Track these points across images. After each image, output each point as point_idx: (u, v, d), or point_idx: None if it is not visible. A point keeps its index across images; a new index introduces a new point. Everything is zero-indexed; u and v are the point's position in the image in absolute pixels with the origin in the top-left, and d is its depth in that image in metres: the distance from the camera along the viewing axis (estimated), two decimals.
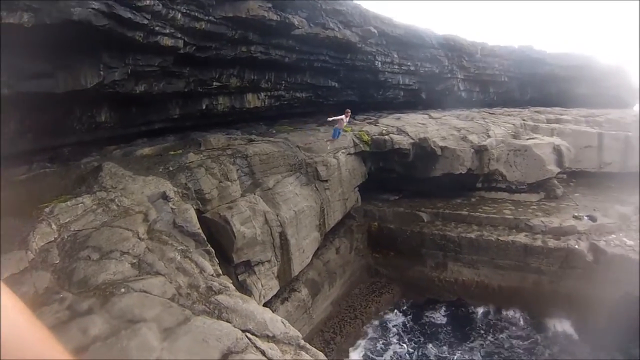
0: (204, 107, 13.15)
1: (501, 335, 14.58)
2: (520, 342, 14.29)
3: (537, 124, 21.56)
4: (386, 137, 17.07)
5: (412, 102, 25.03)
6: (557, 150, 18.00)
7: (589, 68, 30.34)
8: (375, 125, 18.42)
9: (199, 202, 9.39)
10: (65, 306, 4.61)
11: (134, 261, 5.80)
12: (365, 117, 20.65)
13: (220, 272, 7.25)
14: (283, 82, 16.02)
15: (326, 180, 13.46)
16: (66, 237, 6.12)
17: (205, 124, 14.03)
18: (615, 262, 13.93)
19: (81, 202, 7.02)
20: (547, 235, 15.22)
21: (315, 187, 13.06)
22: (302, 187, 12.45)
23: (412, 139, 17.34)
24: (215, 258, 7.73)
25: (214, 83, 12.64)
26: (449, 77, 25.65)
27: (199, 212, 8.95)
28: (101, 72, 8.42)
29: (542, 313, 15.05)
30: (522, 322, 15.11)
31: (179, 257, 6.39)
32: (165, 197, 8.08)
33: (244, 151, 11.50)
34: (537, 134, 20.21)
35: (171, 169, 9.55)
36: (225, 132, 13.85)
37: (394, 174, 18.02)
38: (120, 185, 7.98)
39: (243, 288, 9.32)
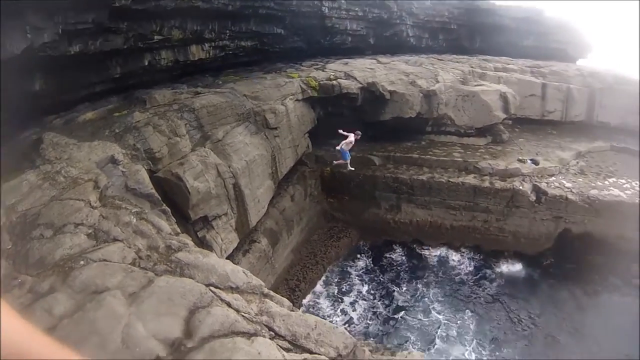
0: (146, 63, 12.44)
1: (453, 272, 15.89)
2: (470, 277, 15.66)
3: (484, 71, 22.17)
4: (334, 82, 17.00)
5: (360, 47, 24.74)
6: (504, 97, 18.81)
7: (538, 21, 30.81)
8: (323, 71, 18.29)
9: (150, 162, 9.28)
10: (26, 290, 4.56)
11: (90, 231, 5.72)
12: (312, 63, 20.39)
13: (179, 230, 7.34)
14: (227, 31, 15.38)
15: (275, 128, 13.47)
16: (15, 219, 5.87)
17: (150, 81, 13.36)
18: (555, 202, 15.40)
19: (25, 180, 6.71)
20: (494, 177, 16.33)
21: (265, 135, 13.07)
22: (252, 136, 12.44)
23: (361, 83, 17.40)
24: (172, 217, 7.77)
25: (155, 37, 11.96)
26: (397, 23, 25.33)
27: (150, 173, 8.88)
28: (28, 35, 7.68)
29: (491, 250, 16.55)
30: (473, 259, 16.49)
31: (134, 221, 6.38)
32: (114, 160, 7.93)
33: (190, 105, 11.26)
34: (485, 81, 20.87)
35: (117, 131, 9.25)
36: (171, 87, 13.36)
37: (343, 118, 18.14)
38: (64, 155, 7.67)
39: (203, 244, 9.48)
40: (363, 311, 14.06)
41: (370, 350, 5.44)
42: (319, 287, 14.90)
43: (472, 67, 22.37)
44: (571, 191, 15.55)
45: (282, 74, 16.92)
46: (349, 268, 16.14)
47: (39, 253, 5.20)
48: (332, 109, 17.83)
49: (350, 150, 16.54)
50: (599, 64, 26.54)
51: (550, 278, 15.48)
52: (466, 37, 31.28)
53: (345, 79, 17.51)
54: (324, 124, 17.39)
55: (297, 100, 15.45)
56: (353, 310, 14.07)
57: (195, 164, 9.79)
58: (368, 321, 13.69)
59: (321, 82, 16.78)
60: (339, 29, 21.47)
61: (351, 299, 14.56)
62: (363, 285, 15.27)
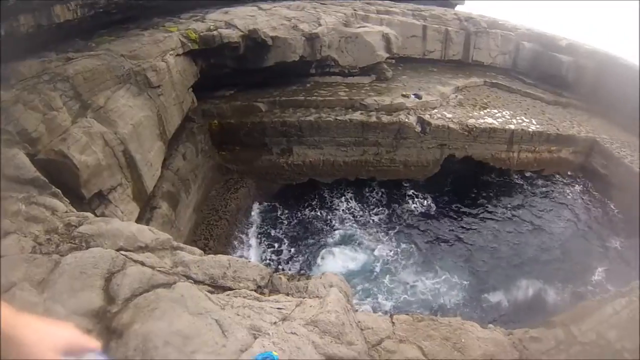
0: (2, 33, 10.99)
1: (364, 213, 17.50)
2: (382, 216, 17.36)
3: (367, 14, 22.96)
4: (214, 32, 16.40)
5: None
6: (386, 38, 19.81)
7: None
8: (203, 22, 17.50)
9: (27, 145, 8.48)
10: None
11: None
12: (191, 14, 19.29)
13: (75, 210, 6.99)
14: None
15: (158, 86, 12.86)
16: None
17: (11, 52, 11.88)
18: (438, 131, 17.33)
19: None
20: (381, 112, 17.49)
21: (149, 94, 12.45)
22: (135, 97, 11.82)
23: (242, 31, 17.02)
24: (65, 198, 7.27)
25: None
26: None
27: (31, 156, 8.15)
28: None
29: (388, 180, 18.41)
30: (376, 195, 18.25)
31: (24, 207, 6.01)
32: None
33: (63, 73, 10.23)
34: (368, 23, 21.68)
35: None
36: (37, 56, 11.95)
37: (226, 68, 17.80)
38: None
39: None
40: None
41: (287, 278, 5.90)
42: (231, 243, 15.34)
43: (354, 10, 22.92)
44: (452, 121, 17.69)
45: (160, 29, 15.88)
46: (253, 217, 17.01)
47: None
48: (214, 61, 17.23)
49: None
50: (474, 10, 29.80)
51: (447, 198, 18.35)
52: None
53: (226, 28, 17.01)
54: (207, 76, 16.93)
55: (177, 55, 14.70)
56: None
57: (79, 137, 9.19)
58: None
59: (201, 34, 16.10)
60: None
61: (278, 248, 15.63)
62: (277, 231, 16.39)
